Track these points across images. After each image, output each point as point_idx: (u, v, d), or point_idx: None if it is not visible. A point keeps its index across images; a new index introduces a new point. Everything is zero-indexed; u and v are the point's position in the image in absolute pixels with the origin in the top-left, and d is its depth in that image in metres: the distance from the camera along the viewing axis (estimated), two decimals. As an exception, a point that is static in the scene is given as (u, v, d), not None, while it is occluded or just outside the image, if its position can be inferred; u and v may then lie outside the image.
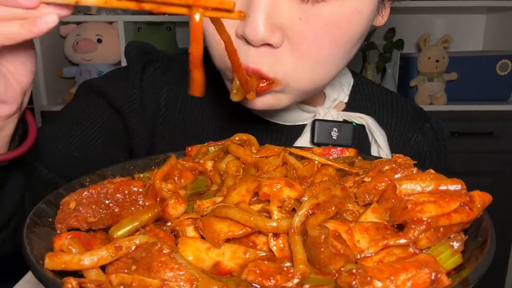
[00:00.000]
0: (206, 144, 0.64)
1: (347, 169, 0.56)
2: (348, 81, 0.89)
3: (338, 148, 0.62)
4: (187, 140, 0.83)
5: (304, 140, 0.81)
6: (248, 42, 0.61)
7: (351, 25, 0.62)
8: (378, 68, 2.36)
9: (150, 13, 2.26)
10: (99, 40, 2.24)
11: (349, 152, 0.62)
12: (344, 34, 0.63)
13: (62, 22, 2.31)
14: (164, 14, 2.23)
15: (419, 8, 2.24)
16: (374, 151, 0.84)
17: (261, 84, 0.64)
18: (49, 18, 0.46)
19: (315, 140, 0.79)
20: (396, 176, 0.48)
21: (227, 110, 0.82)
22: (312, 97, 0.80)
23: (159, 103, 0.84)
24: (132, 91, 0.82)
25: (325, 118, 0.82)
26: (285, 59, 0.63)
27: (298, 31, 0.61)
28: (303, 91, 0.69)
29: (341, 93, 0.86)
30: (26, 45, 0.53)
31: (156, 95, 0.83)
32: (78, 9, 2.27)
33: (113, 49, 2.25)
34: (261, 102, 0.68)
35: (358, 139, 0.84)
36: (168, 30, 2.32)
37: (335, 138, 0.80)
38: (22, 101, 0.56)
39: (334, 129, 0.80)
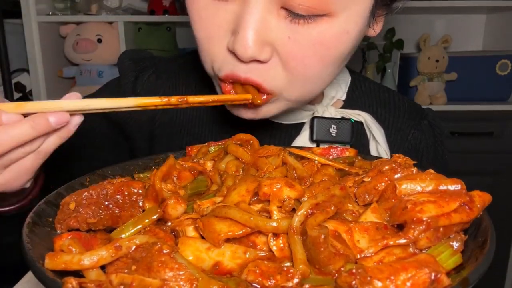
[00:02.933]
0: (206, 144, 0.64)
1: (347, 169, 0.56)
2: (345, 79, 0.89)
3: (338, 148, 0.63)
4: (184, 142, 0.84)
5: (303, 137, 0.82)
6: (237, 57, 0.61)
7: (339, 45, 0.63)
8: (378, 68, 2.36)
9: (150, 13, 2.26)
10: (99, 40, 2.24)
11: (349, 152, 0.62)
12: (332, 54, 0.63)
13: (62, 22, 2.31)
14: (164, 14, 2.23)
15: (419, 8, 2.24)
16: (372, 148, 0.84)
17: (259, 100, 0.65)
18: (76, 120, 0.53)
19: (315, 137, 0.80)
20: (396, 176, 0.48)
21: (224, 110, 0.82)
22: None
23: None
24: None
25: (323, 116, 0.82)
26: (276, 72, 0.64)
27: (287, 49, 0.61)
28: (296, 102, 0.71)
29: (339, 91, 0.87)
30: None
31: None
32: (78, 9, 2.27)
33: (113, 49, 2.25)
34: (262, 113, 0.69)
35: (357, 136, 0.85)
36: (168, 30, 2.31)
37: (334, 135, 0.80)
38: None
39: (333, 126, 0.81)
